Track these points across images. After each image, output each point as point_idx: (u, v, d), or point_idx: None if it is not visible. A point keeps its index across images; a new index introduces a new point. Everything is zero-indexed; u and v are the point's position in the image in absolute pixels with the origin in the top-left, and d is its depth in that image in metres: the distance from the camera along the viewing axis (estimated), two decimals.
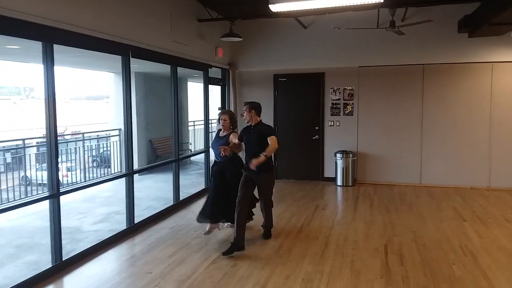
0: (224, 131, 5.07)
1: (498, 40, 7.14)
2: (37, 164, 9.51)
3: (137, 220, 5.51)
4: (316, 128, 8.41)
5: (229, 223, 5.21)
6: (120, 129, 8.96)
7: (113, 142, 9.61)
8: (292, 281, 3.84)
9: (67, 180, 9.69)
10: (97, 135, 10.73)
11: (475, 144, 7.61)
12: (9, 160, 8.63)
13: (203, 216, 5.05)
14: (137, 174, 5.96)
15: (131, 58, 5.27)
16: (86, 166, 9.25)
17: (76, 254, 4.44)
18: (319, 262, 4.30)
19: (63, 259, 4.22)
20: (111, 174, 9.13)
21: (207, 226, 5.02)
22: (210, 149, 5.98)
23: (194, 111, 12.77)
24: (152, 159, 10.43)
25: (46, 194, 4.18)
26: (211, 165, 5.35)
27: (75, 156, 9.42)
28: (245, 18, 7.68)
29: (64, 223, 4.38)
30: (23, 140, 8.07)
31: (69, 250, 4.60)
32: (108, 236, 5.02)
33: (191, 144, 12.65)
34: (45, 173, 4.29)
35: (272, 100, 8.61)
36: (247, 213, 4.88)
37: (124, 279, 3.98)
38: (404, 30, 6.80)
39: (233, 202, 4.66)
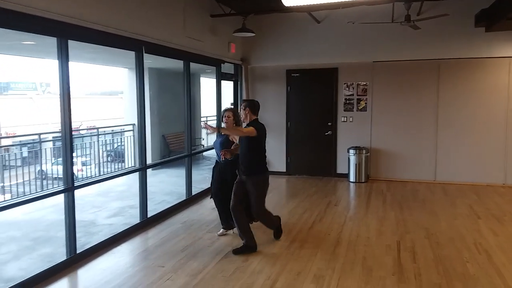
0: None
1: None
2: (53, 158, 9.67)
3: (150, 214, 5.57)
4: (329, 124, 8.36)
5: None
6: (134, 124, 9.04)
7: (127, 137, 9.71)
8: (303, 277, 3.84)
9: (82, 174, 9.84)
10: (112, 130, 10.85)
11: (491, 140, 7.47)
12: (25, 154, 8.80)
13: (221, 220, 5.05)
14: (150, 169, 6.01)
15: (144, 54, 5.30)
16: (101, 161, 9.37)
17: (90, 247, 4.51)
18: (331, 258, 4.28)
19: (78, 252, 4.29)
20: (125, 168, 9.24)
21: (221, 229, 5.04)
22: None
23: (207, 107, 12.84)
24: (165, 154, 10.52)
25: (61, 188, 4.25)
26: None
27: (90, 151, 9.55)
28: (257, 13, 7.65)
29: (79, 216, 4.45)
30: (39, 135, 8.23)
31: (83, 243, 4.68)
32: (121, 230, 5.09)
33: (203, 139, 12.72)
34: (60, 167, 4.35)
35: (285, 95, 8.58)
36: (248, 215, 4.63)
37: (137, 272, 4.03)
38: (419, 25, 6.69)
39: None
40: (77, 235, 4.34)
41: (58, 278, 3.92)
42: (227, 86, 9.19)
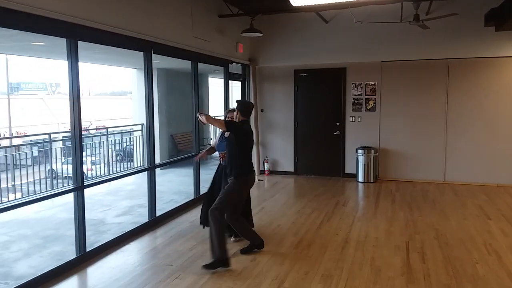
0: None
1: None
2: (63, 157, 9.75)
3: (159, 213, 5.61)
4: (337, 123, 8.34)
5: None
6: (142, 124, 9.10)
7: (136, 136, 9.77)
8: (311, 277, 3.84)
9: (92, 174, 9.91)
10: (121, 130, 10.93)
11: (502, 141, 7.40)
12: (36, 153, 8.89)
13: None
14: (159, 168, 6.04)
15: (153, 54, 5.33)
16: (110, 160, 9.44)
17: (99, 246, 4.55)
18: (339, 258, 4.27)
19: (87, 250, 4.33)
20: (134, 168, 9.30)
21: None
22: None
23: (215, 107, 12.87)
24: (173, 153, 10.57)
25: (71, 187, 4.29)
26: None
27: (100, 150, 9.61)
28: (265, 13, 7.66)
29: (88, 215, 4.49)
30: (49, 134, 8.30)
31: (93, 241, 4.72)
32: (130, 229, 5.12)
33: (211, 139, 12.74)
34: (70, 167, 4.39)
35: (293, 95, 8.57)
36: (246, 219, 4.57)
37: (145, 271, 4.05)
38: (428, 24, 6.65)
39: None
40: (87, 233, 4.38)
41: (67, 276, 3.96)
42: (235, 86, 9.22)
